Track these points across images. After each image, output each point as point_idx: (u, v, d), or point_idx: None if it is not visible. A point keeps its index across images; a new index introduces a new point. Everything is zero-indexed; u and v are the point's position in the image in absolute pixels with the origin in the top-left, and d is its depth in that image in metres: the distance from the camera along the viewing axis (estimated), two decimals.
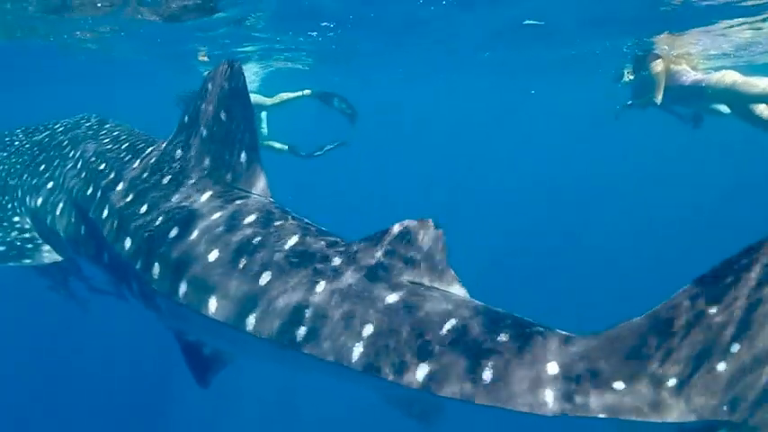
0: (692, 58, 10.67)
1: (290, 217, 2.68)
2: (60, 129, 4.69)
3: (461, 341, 2.00)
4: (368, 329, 2.09)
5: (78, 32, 9.77)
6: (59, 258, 3.94)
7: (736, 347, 1.70)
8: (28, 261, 3.84)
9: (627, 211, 23.34)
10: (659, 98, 7.62)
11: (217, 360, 3.32)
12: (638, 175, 28.70)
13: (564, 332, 2.03)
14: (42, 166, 4.25)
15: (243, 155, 2.93)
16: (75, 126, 4.57)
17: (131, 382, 11.64)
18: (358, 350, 2.07)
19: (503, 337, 1.99)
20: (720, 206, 22.56)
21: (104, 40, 10.30)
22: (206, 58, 11.86)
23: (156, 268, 2.71)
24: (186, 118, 3.13)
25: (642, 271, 15.00)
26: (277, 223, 2.59)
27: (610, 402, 1.79)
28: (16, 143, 4.98)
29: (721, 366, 1.71)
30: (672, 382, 1.76)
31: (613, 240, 19.61)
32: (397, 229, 2.28)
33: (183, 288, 2.56)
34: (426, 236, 2.24)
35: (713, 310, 1.74)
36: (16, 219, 4.17)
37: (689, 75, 7.60)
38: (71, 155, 4.02)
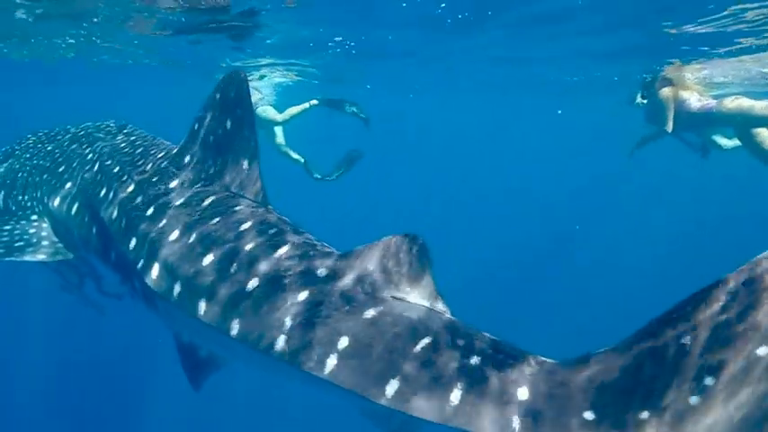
0: (699, 84, 10.69)
1: (284, 226, 2.76)
2: (81, 133, 4.87)
3: (433, 360, 2.01)
4: (343, 342, 2.13)
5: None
6: (71, 256, 4.10)
7: (710, 380, 1.64)
8: (42, 257, 4.01)
9: (630, 228, 23.31)
10: (670, 126, 7.56)
11: (210, 363, 3.41)
12: (643, 193, 28.66)
13: (538, 357, 2.01)
14: (61, 168, 4.43)
15: (245, 162, 3.06)
16: (95, 130, 4.75)
17: (134, 381, 11.80)
18: (332, 362, 2.10)
19: (475, 359, 1.99)
20: (719, 235, 22.42)
21: (126, 52, 10.65)
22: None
23: (155, 269, 2.82)
24: (196, 125, 3.28)
25: (646, 289, 14.97)
26: (271, 231, 2.68)
27: None
28: (39, 145, 5.19)
29: (694, 400, 1.65)
30: (644, 414, 1.70)
31: (618, 257, 19.59)
32: (382, 243, 2.32)
33: (176, 289, 2.66)
34: (411, 251, 2.26)
35: (687, 341, 1.70)
36: (34, 217, 4.35)
37: (698, 101, 7.57)
38: (89, 157, 4.20)
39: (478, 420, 1.85)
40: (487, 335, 2.14)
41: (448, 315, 2.25)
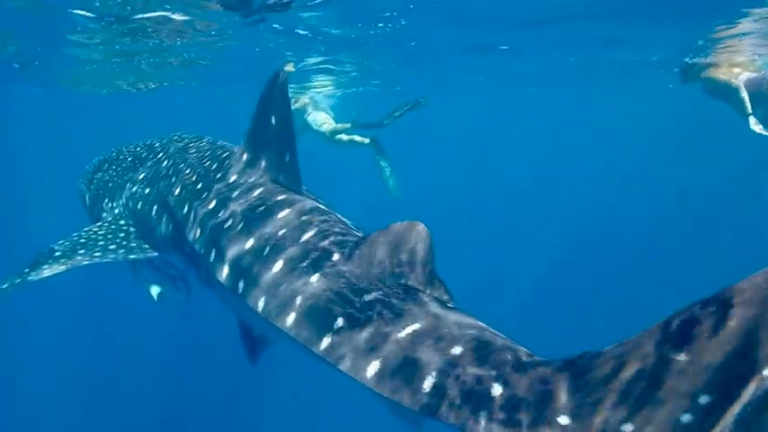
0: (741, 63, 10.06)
1: (316, 215, 2.96)
2: (156, 144, 5.42)
3: (418, 345, 2.05)
4: (339, 322, 2.27)
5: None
6: (155, 254, 4.49)
7: (705, 399, 1.49)
8: (133, 257, 4.42)
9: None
10: (749, 107, 7.06)
11: (262, 341, 3.89)
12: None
13: (529, 353, 1.98)
14: (141, 175, 4.92)
15: (287, 155, 3.34)
16: (168, 140, 5.26)
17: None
18: (327, 340, 2.24)
19: (458, 349, 1.99)
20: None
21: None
22: (292, 68, 12.31)
23: (213, 256, 3.13)
24: (249, 125, 3.57)
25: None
26: (304, 218, 2.91)
27: None
28: (121, 157, 5.79)
29: (686, 418, 1.50)
30: (627, 427, 1.58)
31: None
32: (388, 229, 2.40)
33: (226, 271, 2.93)
34: (414, 238, 2.33)
35: (681, 357, 1.55)
36: (122, 222, 4.83)
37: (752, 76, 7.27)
38: (164, 163, 4.67)
39: (445, 412, 1.86)
40: (482, 325, 2.15)
41: (443, 300, 2.31)
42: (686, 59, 8.05)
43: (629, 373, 1.63)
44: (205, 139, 4.88)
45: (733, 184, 25.71)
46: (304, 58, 11.23)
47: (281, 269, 2.65)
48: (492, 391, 1.83)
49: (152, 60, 10.88)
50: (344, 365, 2.15)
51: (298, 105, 12.24)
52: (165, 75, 12.74)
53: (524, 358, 1.92)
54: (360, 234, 2.83)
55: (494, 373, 1.88)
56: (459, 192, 28.10)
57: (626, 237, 21.04)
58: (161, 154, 4.96)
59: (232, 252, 2.98)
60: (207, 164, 4.06)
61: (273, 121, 3.30)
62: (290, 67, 11.83)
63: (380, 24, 8.46)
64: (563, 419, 1.67)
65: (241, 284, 2.79)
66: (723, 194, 24.44)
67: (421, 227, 2.34)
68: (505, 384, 1.83)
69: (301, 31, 8.74)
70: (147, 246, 4.53)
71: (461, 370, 1.92)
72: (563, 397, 1.72)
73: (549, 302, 15.74)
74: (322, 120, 11.60)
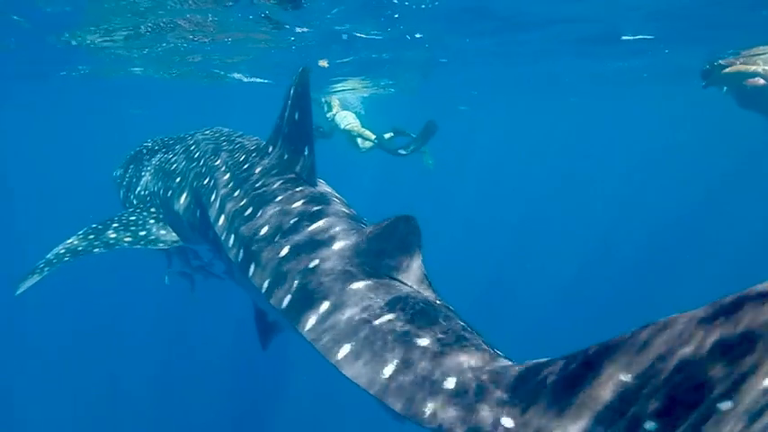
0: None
1: (333, 204, 3.08)
2: (189, 136, 5.59)
3: (385, 334, 2.11)
4: (324, 306, 2.37)
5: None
6: (181, 242, 4.65)
7: (650, 425, 1.43)
8: (161, 245, 4.58)
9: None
10: None
11: (275, 327, 4.13)
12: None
13: (494, 352, 1.99)
14: (173, 165, 5.09)
15: (306, 149, 3.44)
16: (200, 134, 5.41)
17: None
18: (311, 322, 2.35)
19: (425, 341, 2.04)
20: None
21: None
22: (326, 64, 12.19)
23: (231, 243, 3.25)
24: (276, 119, 3.69)
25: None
26: (315, 209, 3.02)
27: None
28: (155, 147, 6.02)
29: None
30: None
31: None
32: (383, 221, 2.51)
33: (242, 255, 3.04)
34: (404, 230, 2.43)
35: (627, 378, 1.49)
36: (153, 209, 5.02)
37: None
38: (196, 155, 4.81)
39: (398, 400, 1.90)
40: (456, 321, 2.18)
41: (425, 294, 2.37)
42: (707, 64, 7.83)
43: (577, 387, 1.59)
44: (236, 133, 5.02)
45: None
46: (336, 58, 11.38)
47: (285, 255, 2.75)
48: (445, 384, 1.87)
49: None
50: (320, 345, 2.23)
51: (332, 108, 12.40)
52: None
53: (489, 357, 1.95)
54: (364, 224, 2.94)
55: (453, 365, 1.92)
56: (486, 197, 28.13)
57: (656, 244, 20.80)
58: (193, 146, 5.10)
59: (245, 239, 3.11)
60: (236, 156, 4.17)
61: (297, 116, 3.41)
62: (323, 63, 11.85)
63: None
64: (507, 421, 1.69)
65: (251, 268, 2.90)
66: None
67: (413, 220, 2.42)
68: (461, 379, 1.87)
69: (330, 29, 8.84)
70: (174, 234, 4.69)
71: (420, 363, 1.97)
72: (513, 401, 1.73)
73: (573, 308, 15.68)
74: (349, 120, 11.72)
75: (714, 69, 7.34)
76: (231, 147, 4.50)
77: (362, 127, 11.57)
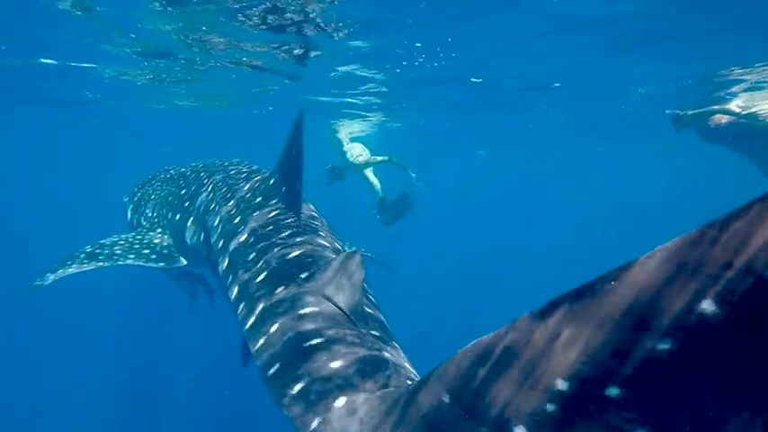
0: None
1: (313, 238, 3.31)
2: (200, 166, 5.87)
3: (308, 353, 2.35)
4: (273, 328, 2.60)
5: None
6: (185, 264, 4.84)
7: None
8: (162, 264, 4.76)
9: None
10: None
11: None
12: None
13: (406, 382, 2.15)
14: (183, 191, 5.35)
15: (297, 183, 3.66)
16: (210, 164, 5.69)
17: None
18: (261, 341, 2.59)
19: (337, 363, 2.26)
20: None
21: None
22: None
23: (225, 264, 3.49)
24: (280, 154, 3.91)
25: None
26: (298, 239, 3.28)
27: None
28: (167, 175, 6.34)
29: None
30: None
31: None
32: (338, 257, 2.77)
33: (236, 290, 3.15)
34: (349, 265, 2.66)
35: (446, 399, 1.52)
36: (159, 230, 5.25)
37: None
38: (204, 182, 5.06)
39: (296, 416, 2.12)
40: (382, 353, 2.37)
41: (352, 328, 2.53)
42: (676, 111, 8.62)
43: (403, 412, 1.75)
44: (244, 163, 5.27)
45: None
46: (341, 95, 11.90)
47: (259, 283, 2.97)
48: (336, 403, 2.09)
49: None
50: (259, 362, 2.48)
51: (342, 143, 12.74)
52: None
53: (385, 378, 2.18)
54: (338, 250, 3.19)
55: (354, 394, 2.11)
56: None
57: None
58: (203, 175, 5.35)
59: (232, 261, 3.36)
60: (240, 185, 4.40)
61: (294, 152, 3.65)
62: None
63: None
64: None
65: (234, 291, 3.11)
66: None
67: (357, 256, 2.66)
68: (351, 402, 2.07)
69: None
70: (177, 254, 4.89)
71: (330, 376, 2.21)
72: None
73: None
74: (357, 152, 12.05)
75: (682, 116, 8.35)
76: (237, 175, 4.73)
77: (371, 154, 11.93)
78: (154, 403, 12.66)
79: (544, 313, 1.25)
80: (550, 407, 1.23)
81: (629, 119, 13.97)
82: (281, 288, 2.82)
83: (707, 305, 0.99)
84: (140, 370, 13.69)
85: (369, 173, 11.72)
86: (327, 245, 3.31)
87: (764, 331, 0.94)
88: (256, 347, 2.57)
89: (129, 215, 6.28)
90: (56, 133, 20.44)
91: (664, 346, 1.05)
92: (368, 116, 14.24)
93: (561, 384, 1.21)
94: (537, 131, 16.94)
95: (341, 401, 2.09)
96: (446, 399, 1.51)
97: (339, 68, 9.29)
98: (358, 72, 9.48)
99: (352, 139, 13.48)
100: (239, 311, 2.92)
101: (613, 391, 1.14)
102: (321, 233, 3.47)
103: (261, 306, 2.79)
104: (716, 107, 8.45)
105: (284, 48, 7.97)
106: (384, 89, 10.82)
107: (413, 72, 9.16)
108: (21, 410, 12.68)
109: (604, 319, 1.13)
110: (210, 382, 12.79)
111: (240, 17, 6.60)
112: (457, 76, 9.51)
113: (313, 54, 8.29)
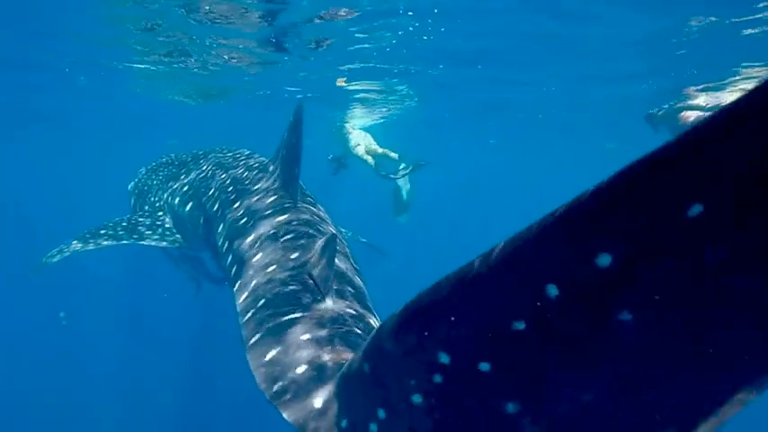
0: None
1: (308, 225, 3.39)
2: (201, 152, 6.06)
3: (282, 321, 2.51)
4: (262, 302, 2.75)
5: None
6: (184, 244, 4.97)
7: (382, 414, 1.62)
8: (164, 244, 4.97)
9: None
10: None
11: None
12: None
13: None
14: (183, 176, 5.54)
15: (296, 170, 3.70)
16: (210, 151, 5.85)
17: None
18: (249, 315, 2.72)
19: (306, 335, 2.39)
20: None
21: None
22: (344, 83, 12.46)
23: (225, 246, 3.60)
24: (279, 143, 4.01)
25: None
26: (293, 224, 3.37)
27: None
28: (169, 160, 6.53)
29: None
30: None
31: None
32: (321, 239, 2.95)
33: (233, 269, 3.33)
34: (321, 245, 2.84)
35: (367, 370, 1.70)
36: (161, 213, 5.43)
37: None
38: (203, 168, 5.21)
39: (276, 396, 2.16)
40: (353, 328, 2.48)
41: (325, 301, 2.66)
42: (649, 110, 8.78)
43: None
44: (244, 151, 5.40)
45: None
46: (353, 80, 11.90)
47: (255, 262, 3.13)
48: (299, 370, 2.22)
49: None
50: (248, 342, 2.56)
51: (349, 138, 12.70)
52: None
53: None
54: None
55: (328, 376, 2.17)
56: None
57: None
58: (202, 161, 5.53)
59: (234, 248, 3.47)
60: (240, 171, 4.52)
61: (293, 141, 3.71)
62: (341, 82, 12.21)
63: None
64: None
65: (234, 271, 3.27)
66: None
67: (335, 239, 2.84)
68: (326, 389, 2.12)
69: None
70: (179, 237, 5.08)
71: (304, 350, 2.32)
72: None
73: None
74: (358, 140, 12.14)
75: (655, 115, 8.55)
76: (236, 162, 4.86)
77: (380, 147, 11.95)
78: (148, 394, 12.86)
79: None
80: (437, 378, 1.39)
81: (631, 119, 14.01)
82: (273, 267, 2.98)
83: (552, 290, 1.08)
84: (136, 360, 13.90)
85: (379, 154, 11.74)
86: (321, 227, 3.45)
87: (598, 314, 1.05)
88: (243, 320, 2.73)
89: (133, 199, 6.46)
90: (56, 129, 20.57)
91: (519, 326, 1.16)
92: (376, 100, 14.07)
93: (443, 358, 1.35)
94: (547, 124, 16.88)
95: (304, 368, 2.23)
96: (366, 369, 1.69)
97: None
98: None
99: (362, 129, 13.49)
100: (235, 288, 3.08)
101: (484, 366, 1.26)
102: (317, 217, 3.61)
103: (254, 282, 2.96)
104: (683, 104, 8.60)
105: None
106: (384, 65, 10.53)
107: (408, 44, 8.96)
108: (20, 411, 12.84)
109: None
110: (206, 373, 12.97)
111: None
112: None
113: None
